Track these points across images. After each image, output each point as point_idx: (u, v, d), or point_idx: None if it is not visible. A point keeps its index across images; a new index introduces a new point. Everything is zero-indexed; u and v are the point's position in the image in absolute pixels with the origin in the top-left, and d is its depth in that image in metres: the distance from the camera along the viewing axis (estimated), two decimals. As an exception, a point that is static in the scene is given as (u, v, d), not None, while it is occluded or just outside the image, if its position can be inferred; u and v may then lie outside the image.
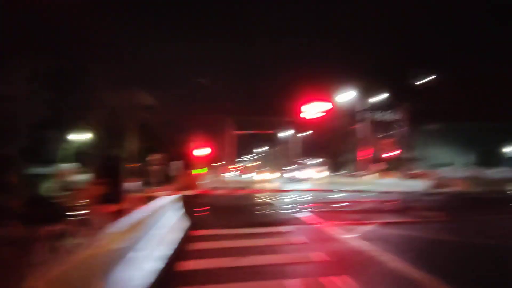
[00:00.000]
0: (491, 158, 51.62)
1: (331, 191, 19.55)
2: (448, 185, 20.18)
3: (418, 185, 20.46)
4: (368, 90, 32.46)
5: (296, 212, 11.05)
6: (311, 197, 15.10)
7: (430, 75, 49.81)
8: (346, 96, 29.14)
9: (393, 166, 29.93)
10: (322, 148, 48.12)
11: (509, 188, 19.83)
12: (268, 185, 27.28)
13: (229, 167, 48.11)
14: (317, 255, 5.74)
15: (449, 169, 40.65)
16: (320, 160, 38.20)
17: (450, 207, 11.89)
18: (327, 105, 23.41)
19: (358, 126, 41.55)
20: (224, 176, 38.54)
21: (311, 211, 10.88)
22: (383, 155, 28.10)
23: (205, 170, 26.06)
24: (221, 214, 10.62)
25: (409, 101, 24.90)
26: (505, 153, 51.87)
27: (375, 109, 26.32)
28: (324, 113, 23.29)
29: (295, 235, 7.42)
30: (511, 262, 5.44)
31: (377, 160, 31.73)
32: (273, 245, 6.60)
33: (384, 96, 30.47)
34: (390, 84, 33.26)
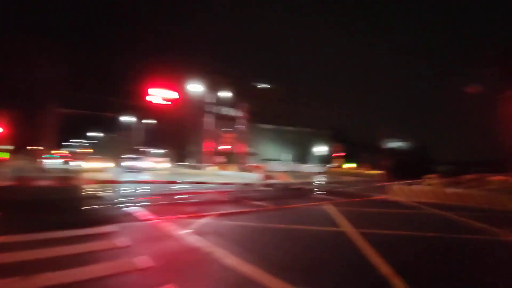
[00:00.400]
0: (305, 156, 64.94)
1: (173, 182, 18.71)
2: (274, 177, 23.25)
3: (252, 177, 22.55)
4: (215, 86, 33.50)
5: (129, 206, 9.56)
6: (149, 189, 13.77)
7: (267, 84, 57.17)
8: (194, 88, 29.03)
9: (232, 159, 32.19)
10: (166, 138, 46.42)
11: (315, 179, 24.85)
12: (100, 175, 23.49)
13: (50, 152, 39.23)
14: (141, 260, 4.74)
15: (275, 163, 47.97)
16: (163, 150, 36.60)
17: (276, 197, 13.36)
18: (174, 94, 22.31)
19: (203, 119, 42.57)
20: (42, 163, 31.04)
21: (146, 205, 9.67)
22: (224, 148, 29.67)
23: (6, 155, 19.65)
24: (25, 212, 7.81)
25: (249, 101, 27.15)
26: (314, 152, 66.24)
27: (220, 104, 27.30)
28: (171, 102, 22.07)
29: (119, 236, 6.11)
30: (326, 243, 6.24)
31: (219, 152, 33.30)
32: (85, 253, 5.11)
33: (229, 93, 32.26)
34: (236, 84, 35.66)
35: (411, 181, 15.24)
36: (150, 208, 9.14)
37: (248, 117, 26.62)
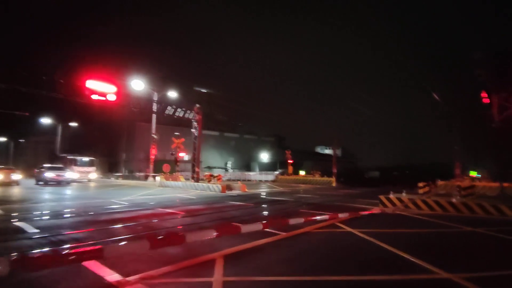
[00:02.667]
0: (249, 163, 63.28)
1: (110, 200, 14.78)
2: (235, 187, 20.66)
3: (210, 188, 19.56)
4: (161, 85, 29.52)
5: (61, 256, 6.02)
6: (77, 212, 10.00)
7: (210, 89, 54.30)
8: (137, 85, 24.71)
9: (181, 168, 28.35)
10: (96, 144, 39.77)
11: (273, 189, 22.97)
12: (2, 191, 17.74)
13: None
14: None
15: (219, 171, 45.09)
16: (92, 158, 30.65)
17: (264, 215, 10.82)
18: (113, 89, 18.11)
19: (144, 123, 37.49)
20: None
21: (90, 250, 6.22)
22: (173, 155, 25.76)
23: None
24: None
25: (199, 104, 24.11)
26: (259, 160, 65.01)
27: (167, 105, 23.58)
28: (110, 98, 17.79)
29: None
30: None
31: (164, 160, 29.12)
32: None
33: (175, 94, 28.56)
34: (181, 86, 32.13)
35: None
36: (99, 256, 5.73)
37: (200, 120, 23.42)
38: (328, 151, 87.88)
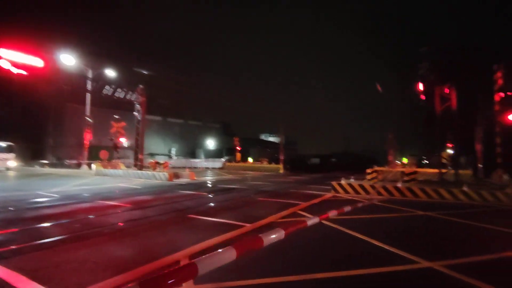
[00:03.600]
0: (195, 150, 61.30)
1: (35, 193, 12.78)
2: (182, 175, 19.51)
3: (156, 177, 18.12)
4: (98, 61, 26.41)
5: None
6: None
7: (153, 71, 50.85)
8: (68, 59, 21.45)
9: (121, 154, 25.94)
10: (15, 127, 34.36)
11: (223, 176, 22.38)
12: None
13: None
14: None
15: (163, 158, 42.80)
16: (8, 143, 26.26)
17: (221, 206, 10.15)
18: (38, 61, 15.37)
19: (78, 104, 33.45)
20: None
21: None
22: (112, 141, 23.30)
23: None
24: None
25: (133, 88, 22.01)
26: (205, 147, 63.34)
27: (105, 85, 21.04)
28: (32, 72, 15.06)
29: None
30: None
31: (100, 146, 26.27)
32: None
33: (114, 74, 25.73)
34: (120, 65, 29.27)
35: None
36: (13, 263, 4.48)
37: (144, 102, 21.48)
38: (272, 139, 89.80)
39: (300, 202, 9.74)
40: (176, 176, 18.99)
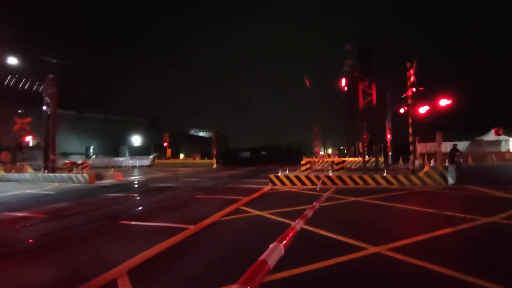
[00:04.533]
0: (118, 148, 56.20)
1: None
2: (107, 176, 17.55)
3: (74, 179, 15.90)
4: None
5: None
6: None
7: (68, 59, 44.81)
8: None
9: (31, 155, 22.12)
10: None
11: (153, 174, 20.98)
12: None
13: None
14: None
15: (80, 158, 38.27)
16: None
17: (158, 208, 9.29)
18: None
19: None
20: None
21: None
22: (15, 140, 19.58)
23: None
24: None
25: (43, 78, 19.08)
26: (131, 143, 58.56)
27: (7, 76, 17.59)
28: None
29: None
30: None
31: (0, 147, 22.00)
32: None
33: (17, 62, 21.69)
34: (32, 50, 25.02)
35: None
36: None
37: (55, 94, 18.65)
38: (202, 134, 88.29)
39: (241, 197, 9.58)
40: (99, 177, 17.04)
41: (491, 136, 33.42)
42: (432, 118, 13.01)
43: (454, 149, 18.18)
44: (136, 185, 14.65)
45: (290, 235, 2.02)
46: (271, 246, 1.69)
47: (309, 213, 2.99)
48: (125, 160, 37.92)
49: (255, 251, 4.47)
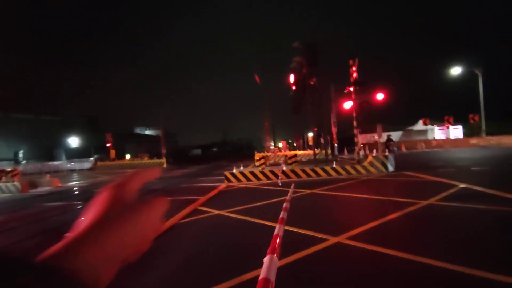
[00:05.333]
0: (54, 151, 50.87)
1: None
2: (43, 183, 15.75)
3: (6, 188, 13.97)
4: None
5: None
6: None
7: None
8: None
9: None
10: None
11: (82, 179, 19.46)
12: None
13: None
14: None
15: (7, 164, 33.88)
16: None
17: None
18: None
19: None
20: None
21: None
22: None
23: None
24: None
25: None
26: (67, 146, 53.30)
27: None
28: None
29: None
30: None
31: None
32: None
33: None
34: None
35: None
36: None
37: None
38: (149, 132, 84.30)
39: (197, 197, 9.33)
40: (33, 185, 15.28)
41: (419, 126, 37.47)
42: (370, 111, 14.09)
43: (389, 139, 19.97)
44: (77, 192, 13.43)
45: (278, 242, 1.98)
46: (266, 260, 1.62)
47: (284, 215, 3.00)
48: (62, 164, 34.59)
49: (221, 255, 4.41)
